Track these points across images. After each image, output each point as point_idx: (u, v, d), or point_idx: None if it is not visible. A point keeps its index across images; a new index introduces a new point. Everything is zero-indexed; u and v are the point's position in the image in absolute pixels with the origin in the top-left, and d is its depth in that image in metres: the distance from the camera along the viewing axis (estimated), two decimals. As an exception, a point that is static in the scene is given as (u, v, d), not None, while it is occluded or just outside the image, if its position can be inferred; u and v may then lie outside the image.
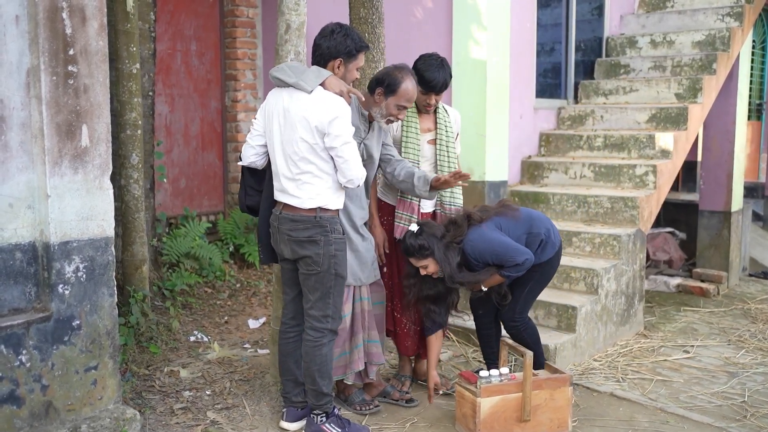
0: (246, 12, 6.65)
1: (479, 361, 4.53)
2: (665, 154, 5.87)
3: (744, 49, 7.04)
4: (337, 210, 3.41)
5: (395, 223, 3.95)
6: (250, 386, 4.12)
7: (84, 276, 3.16)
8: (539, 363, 3.79)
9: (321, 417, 3.48)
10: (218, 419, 3.69)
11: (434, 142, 4.02)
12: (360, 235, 3.65)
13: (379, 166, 3.82)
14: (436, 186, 3.66)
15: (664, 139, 5.87)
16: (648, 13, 7.50)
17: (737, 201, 7.37)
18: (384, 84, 3.53)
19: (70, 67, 3.05)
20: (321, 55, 3.41)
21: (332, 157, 3.28)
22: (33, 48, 2.98)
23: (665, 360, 4.85)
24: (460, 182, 3.67)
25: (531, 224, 3.72)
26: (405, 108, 3.60)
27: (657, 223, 7.93)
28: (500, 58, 5.62)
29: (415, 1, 5.93)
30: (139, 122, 4.70)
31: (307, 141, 3.24)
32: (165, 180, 6.01)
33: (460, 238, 3.60)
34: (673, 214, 8.13)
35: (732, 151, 7.17)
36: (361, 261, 3.64)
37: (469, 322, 4.24)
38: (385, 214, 4.01)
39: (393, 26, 5.55)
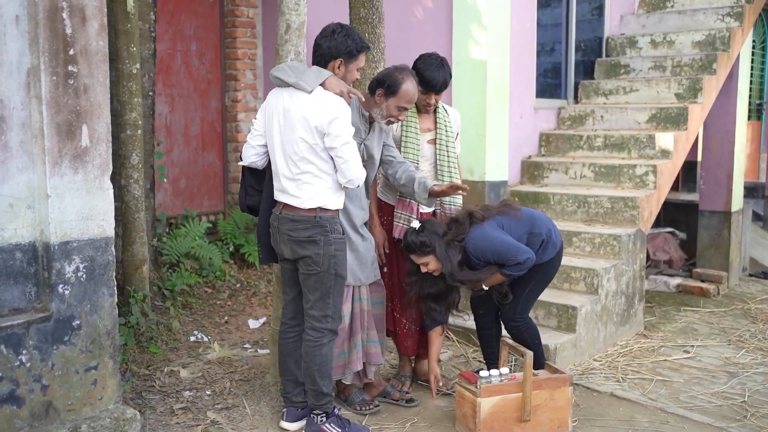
0: (246, 12, 6.65)
1: (479, 361, 4.53)
2: (665, 154, 5.87)
3: (744, 49, 7.04)
4: (337, 210, 3.41)
5: (394, 222, 3.95)
6: (250, 386, 4.12)
7: (84, 276, 3.16)
8: (539, 363, 3.78)
9: (321, 417, 3.48)
10: (218, 419, 3.69)
11: (434, 141, 4.02)
12: (360, 235, 3.65)
13: (380, 166, 3.82)
14: (434, 194, 3.66)
15: (664, 139, 5.87)
16: (648, 13, 7.50)
17: (737, 201, 7.37)
18: (384, 85, 3.53)
19: (70, 67, 3.05)
20: (321, 55, 3.41)
21: (332, 158, 3.28)
22: (33, 48, 2.98)
23: (665, 360, 4.85)
24: (459, 192, 3.68)
25: (533, 224, 3.72)
26: (405, 109, 3.60)
27: (657, 223, 7.93)
28: (500, 58, 5.62)
29: (415, 1, 5.93)
30: (139, 122, 4.70)
31: (306, 141, 3.24)
32: (165, 180, 6.01)
33: (462, 236, 3.60)
34: (673, 214, 8.13)
35: (732, 151, 7.17)
36: (361, 261, 3.64)
37: (470, 321, 4.24)
38: (384, 214, 4.01)
39: (393, 26, 5.55)
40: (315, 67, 3.38)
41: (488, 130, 5.55)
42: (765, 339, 5.34)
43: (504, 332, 4.01)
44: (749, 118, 8.96)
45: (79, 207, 3.12)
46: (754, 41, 9.49)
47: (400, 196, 3.93)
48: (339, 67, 3.40)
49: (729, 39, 6.65)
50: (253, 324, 5.24)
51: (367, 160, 3.64)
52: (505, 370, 3.61)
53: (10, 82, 2.97)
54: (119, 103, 4.58)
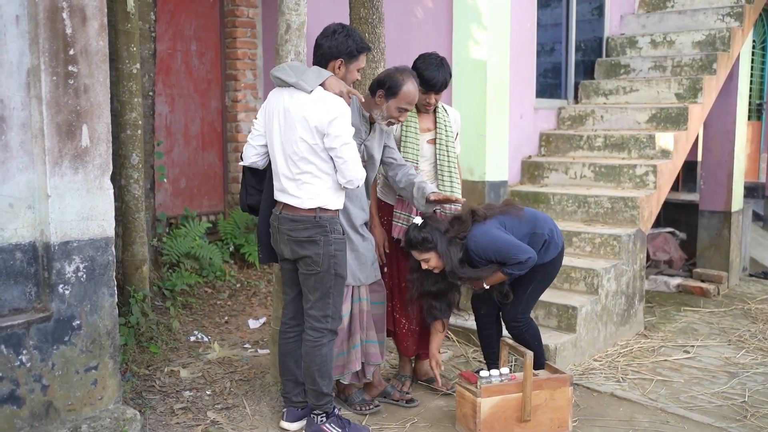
0: (246, 12, 6.65)
1: (479, 361, 4.53)
2: (665, 154, 5.87)
3: (744, 49, 7.04)
4: (337, 210, 3.41)
5: (393, 222, 3.96)
6: (250, 386, 4.12)
7: (84, 276, 3.16)
8: (540, 363, 3.78)
9: (321, 417, 3.48)
10: (218, 419, 3.69)
11: (434, 141, 4.02)
12: (360, 235, 3.65)
13: (381, 167, 3.82)
14: (431, 202, 3.67)
15: (665, 139, 5.87)
16: (648, 13, 7.50)
17: (737, 201, 7.37)
18: (385, 86, 3.53)
19: (70, 67, 3.05)
20: (322, 55, 3.41)
21: (332, 158, 3.28)
22: (33, 48, 2.98)
23: (665, 360, 4.85)
24: (455, 203, 3.70)
25: (535, 224, 3.72)
26: (406, 110, 3.59)
27: (657, 223, 7.93)
28: (500, 58, 5.62)
29: (416, 1, 5.93)
30: (140, 122, 4.70)
31: (306, 141, 3.24)
32: (165, 180, 6.01)
33: (464, 233, 3.61)
34: (673, 214, 8.13)
35: (732, 151, 7.17)
36: (361, 261, 3.64)
37: (470, 321, 4.24)
38: (384, 214, 4.01)
39: (393, 26, 5.55)
40: (315, 67, 3.38)
41: (488, 130, 5.55)
42: (765, 339, 5.34)
43: (505, 332, 4.01)
44: (749, 118, 8.96)
45: (80, 207, 3.12)
46: (754, 41, 9.49)
47: (399, 196, 3.93)
48: (339, 68, 3.40)
49: (729, 39, 6.65)
50: (253, 324, 5.24)
51: (367, 161, 3.64)
52: (505, 370, 3.61)
53: (11, 82, 2.97)
54: (119, 103, 4.58)
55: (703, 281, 6.95)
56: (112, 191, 3.25)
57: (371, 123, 3.66)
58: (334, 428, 3.46)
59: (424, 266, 3.64)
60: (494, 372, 3.58)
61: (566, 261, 4.92)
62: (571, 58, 6.90)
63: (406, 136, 3.95)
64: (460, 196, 4.03)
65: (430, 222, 3.61)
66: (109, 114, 3.22)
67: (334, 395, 3.80)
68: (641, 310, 5.47)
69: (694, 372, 4.66)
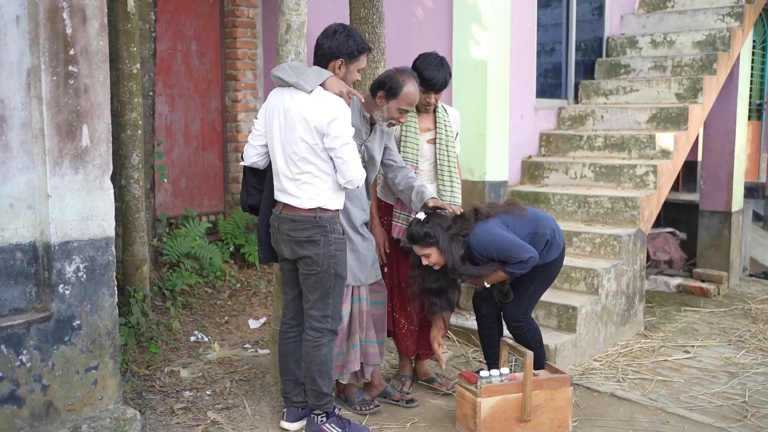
0: (246, 12, 6.65)
1: (480, 361, 4.53)
2: (666, 154, 5.87)
3: (744, 49, 7.04)
4: (337, 210, 3.41)
5: (393, 222, 3.96)
6: (250, 386, 4.12)
7: (84, 276, 3.16)
8: (540, 363, 3.78)
9: (321, 417, 3.48)
10: (219, 419, 3.69)
11: (434, 141, 4.02)
12: (360, 235, 3.65)
13: (381, 168, 3.82)
14: (430, 207, 3.67)
15: (665, 139, 5.87)
16: (648, 13, 7.50)
17: (738, 201, 7.37)
18: (386, 87, 3.53)
19: (70, 67, 3.05)
20: (322, 55, 3.41)
21: (332, 158, 3.28)
22: (33, 48, 2.98)
23: (665, 360, 4.85)
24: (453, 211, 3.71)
25: (537, 224, 3.73)
26: (407, 112, 3.59)
27: (657, 223, 7.93)
28: (501, 58, 5.62)
29: (416, 1, 5.93)
30: (140, 122, 4.70)
31: (306, 141, 3.24)
32: (165, 180, 6.01)
33: (466, 231, 3.61)
34: (673, 214, 8.13)
35: (732, 151, 7.17)
36: (361, 261, 3.64)
37: (470, 321, 4.24)
38: (384, 214, 4.02)
39: (393, 26, 5.55)
40: (315, 67, 3.38)
41: (488, 130, 5.55)
42: (765, 339, 5.34)
43: (506, 332, 4.01)
44: (749, 118, 8.96)
45: (80, 207, 3.12)
46: (754, 41, 9.48)
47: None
48: (339, 68, 3.40)
49: (729, 39, 6.65)
50: (253, 324, 5.24)
51: (367, 162, 3.64)
52: (505, 370, 3.61)
53: (11, 82, 2.97)
54: (119, 103, 4.58)
55: (703, 281, 6.95)
56: (112, 191, 3.25)
57: (372, 124, 3.66)
58: (334, 428, 3.46)
59: (425, 262, 3.64)
60: (494, 372, 3.58)
61: (566, 261, 4.92)
62: (572, 58, 6.90)
63: (405, 136, 3.95)
64: (459, 197, 4.04)
65: (433, 218, 3.62)
66: (109, 114, 3.22)
67: (335, 395, 3.80)
68: (641, 310, 5.47)
69: (695, 372, 4.66)
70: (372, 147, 3.66)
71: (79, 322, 3.15)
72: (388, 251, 3.98)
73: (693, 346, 5.14)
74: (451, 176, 4.00)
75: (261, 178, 3.58)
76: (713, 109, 6.75)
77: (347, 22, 4.33)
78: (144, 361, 4.33)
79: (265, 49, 6.74)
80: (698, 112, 6.22)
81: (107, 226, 3.23)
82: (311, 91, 3.23)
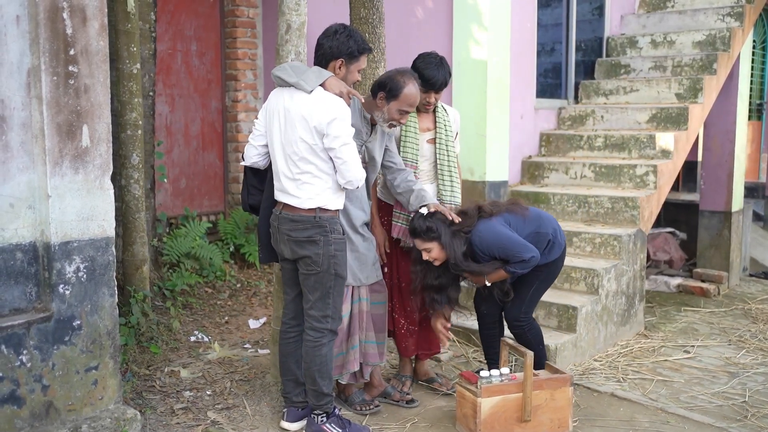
0: (246, 12, 6.65)
1: (480, 362, 4.53)
2: (666, 154, 5.87)
3: (744, 49, 7.04)
4: (337, 210, 3.40)
5: (393, 222, 3.96)
6: (250, 386, 4.12)
7: (84, 276, 3.16)
8: (540, 363, 3.79)
9: (321, 417, 3.48)
10: (219, 419, 3.69)
11: (433, 141, 4.02)
12: (360, 236, 3.65)
13: (381, 168, 3.82)
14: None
15: (665, 139, 5.87)
16: (648, 13, 7.50)
17: (738, 201, 7.37)
18: (386, 88, 3.53)
19: (70, 68, 3.05)
20: (323, 55, 3.41)
21: (331, 158, 3.28)
22: (34, 48, 2.98)
23: (666, 360, 4.85)
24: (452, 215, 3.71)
25: (539, 223, 3.73)
26: (407, 113, 3.59)
27: (657, 223, 7.93)
28: (501, 58, 5.62)
29: (416, 1, 5.93)
30: (140, 122, 4.70)
31: (306, 141, 3.24)
32: (165, 180, 6.01)
33: (469, 228, 3.62)
34: (673, 214, 8.13)
35: (732, 151, 7.17)
36: (361, 261, 3.64)
37: (470, 321, 4.24)
38: (384, 214, 4.01)
39: (393, 26, 5.55)
40: (316, 67, 3.38)
41: (488, 130, 5.55)
42: (765, 339, 5.34)
43: (507, 332, 4.01)
44: (749, 118, 8.96)
45: (80, 207, 3.12)
46: (754, 41, 9.49)
47: (397, 199, 3.94)
48: (340, 68, 3.40)
49: (729, 39, 6.65)
50: (253, 324, 5.24)
51: (368, 162, 3.64)
52: (505, 370, 3.61)
53: (11, 83, 2.97)
54: (120, 103, 4.58)
55: (703, 281, 6.95)
56: (112, 191, 3.25)
57: (373, 124, 3.66)
58: (334, 428, 3.46)
59: (425, 257, 3.64)
60: (494, 372, 3.58)
61: (567, 261, 4.91)
62: (572, 58, 6.90)
63: (405, 136, 3.94)
64: (459, 197, 4.05)
65: (436, 213, 3.63)
66: (109, 114, 3.22)
67: (335, 395, 3.80)
68: (641, 310, 5.47)
69: (695, 372, 4.66)
70: (373, 148, 3.66)
71: (79, 322, 3.15)
72: (388, 251, 3.98)
73: (693, 346, 5.14)
74: (451, 176, 4.00)
75: (262, 178, 3.58)
76: (713, 109, 6.75)
77: (347, 22, 4.34)
78: (144, 361, 4.33)
79: (265, 49, 6.74)
80: (698, 112, 6.22)
81: (107, 226, 3.23)
82: (311, 91, 3.23)
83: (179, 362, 4.44)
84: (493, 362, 3.95)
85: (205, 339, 4.84)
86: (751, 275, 7.74)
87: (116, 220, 3.41)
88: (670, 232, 7.78)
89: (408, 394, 4.01)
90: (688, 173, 8.94)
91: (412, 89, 3.53)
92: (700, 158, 8.32)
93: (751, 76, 8.85)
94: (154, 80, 5.25)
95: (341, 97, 3.27)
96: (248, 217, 6.18)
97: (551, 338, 4.52)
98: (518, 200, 3.99)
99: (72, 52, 3.05)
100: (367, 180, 3.64)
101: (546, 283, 3.88)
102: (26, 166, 3.03)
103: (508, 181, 5.90)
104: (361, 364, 3.74)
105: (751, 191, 9.16)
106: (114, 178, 3.38)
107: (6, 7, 2.93)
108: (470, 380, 3.55)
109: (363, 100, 3.57)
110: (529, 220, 3.72)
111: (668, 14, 7.33)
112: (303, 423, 3.60)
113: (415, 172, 3.92)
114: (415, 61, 3.90)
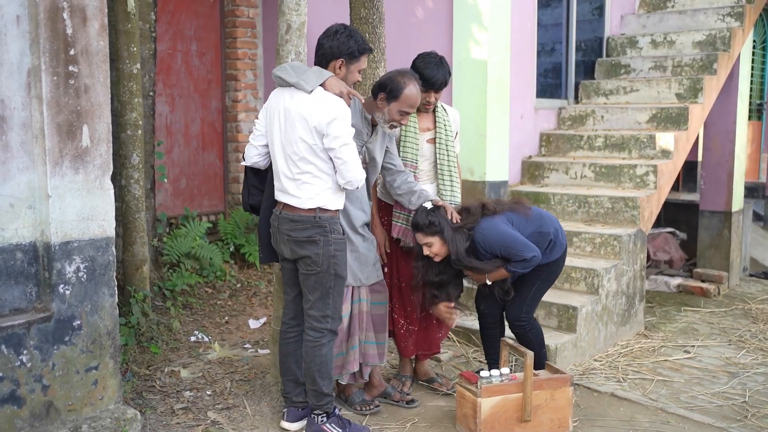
0: (246, 12, 6.65)
1: (480, 362, 4.53)
2: (666, 154, 5.87)
3: (744, 49, 7.04)
4: (337, 210, 3.40)
5: (392, 222, 3.96)
6: (250, 386, 4.12)
7: (85, 276, 3.16)
8: (540, 363, 3.79)
9: (322, 417, 3.48)
10: (219, 419, 3.69)
11: (433, 141, 4.02)
12: (360, 236, 3.65)
13: (381, 170, 3.82)
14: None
15: (665, 139, 5.87)
16: (648, 13, 7.50)
17: (738, 201, 7.37)
18: (386, 89, 3.52)
19: (70, 68, 3.05)
20: (323, 55, 3.41)
21: (331, 158, 3.28)
22: (34, 48, 2.98)
23: (666, 360, 4.85)
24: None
25: (541, 223, 3.74)
26: (408, 114, 3.59)
27: (657, 223, 7.93)
28: (501, 58, 5.62)
29: (416, 1, 5.93)
30: (140, 122, 4.70)
31: (306, 141, 3.24)
32: (165, 180, 6.01)
33: (472, 225, 3.62)
34: (673, 214, 8.13)
35: (732, 151, 7.17)
36: (361, 262, 3.64)
37: (470, 321, 4.24)
38: (384, 214, 4.01)
39: (394, 26, 5.55)
40: (316, 67, 3.38)
41: (489, 130, 5.56)
42: (765, 339, 5.34)
43: (508, 332, 4.01)
44: (750, 118, 8.96)
45: (80, 207, 3.12)
46: (754, 41, 9.48)
47: (397, 199, 3.94)
48: (340, 68, 3.40)
49: (729, 39, 6.64)
50: (253, 324, 5.24)
51: (369, 163, 3.63)
52: (505, 370, 3.61)
53: (11, 83, 2.97)
54: (120, 103, 4.58)
55: (703, 281, 6.95)
56: (112, 191, 3.25)
57: (373, 125, 3.66)
58: (334, 428, 3.46)
59: (426, 251, 3.64)
60: (495, 372, 3.58)
61: (567, 261, 4.91)
62: (572, 58, 6.90)
63: (405, 136, 3.94)
64: (459, 197, 4.05)
65: (440, 208, 3.63)
66: (109, 114, 3.22)
67: (335, 395, 3.80)
68: (641, 310, 5.47)
69: (695, 372, 4.66)
70: (373, 149, 3.66)
71: (79, 322, 3.15)
72: (388, 251, 3.98)
73: (693, 346, 5.14)
74: (451, 176, 4.00)
75: (262, 178, 3.58)
76: (713, 109, 6.75)
77: (347, 22, 4.34)
78: (144, 361, 4.33)
79: (266, 49, 6.74)
80: (698, 112, 6.22)
81: (107, 226, 3.23)
82: (311, 91, 3.23)
83: (179, 362, 4.44)
84: (493, 362, 3.95)
85: (205, 339, 4.84)
86: (751, 275, 7.74)
87: (116, 220, 3.41)
88: (670, 232, 7.78)
89: (408, 394, 4.01)
90: (688, 173, 8.94)
91: (412, 90, 3.53)
92: (700, 158, 8.32)
93: (751, 76, 8.85)
94: (154, 80, 5.25)
95: (341, 97, 3.27)
96: (248, 217, 6.18)
97: (551, 338, 4.51)
98: (522, 199, 3.99)
99: (72, 52, 3.05)
100: (367, 181, 3.64)
101: (547, 283, 3.89)
102: (26, 166, 3.03)
103: (508, 181, 5.90)
104: (360, 364, 3.74)
105: (751, 191, 9.16)
106: (114, 178, 3.38)
107: (6, 7, 2.93)
108: (470, 380, 3.55)
109: (363, 101, 3.56)
110: (532, 219, 3.73)
111: (668, 14, 7.33)
112: (303, 423, 3.60)
113: (414, 172, 3.92)
114: (414, 61, 3.89)
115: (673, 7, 7.52)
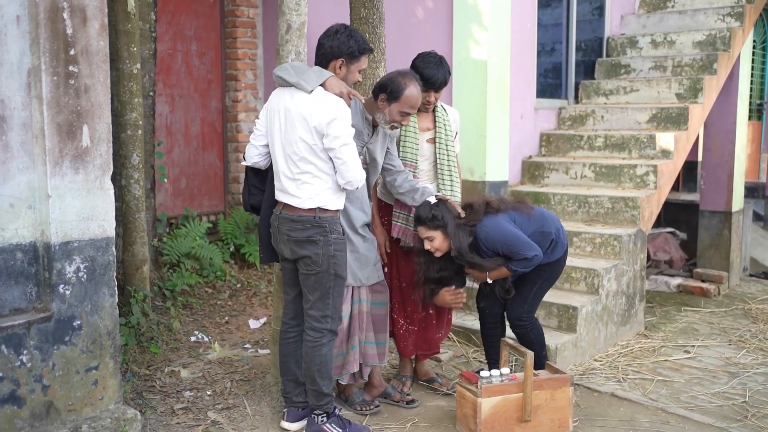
0: (246, 12, 6.65)
1: (480, 362, 4.53)
2: (666, 154, 5.87)
3: (745, 49, 7.04)
4: (337, 211, 3.40)
5: (392, 222, 3.96)
6: (250, 386, 4.12)
7: (85, 276, 3.16)
8: (540, 363, 3.79)
9: (322, 417, 3.48)
10: (219, 419, 3.69)
11: (433, 141, 4.02)
12: (360, 236, 3.65)
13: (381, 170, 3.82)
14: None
15: (665, 139, 5.87)
16: (648, 13, 7.50)
17: (738, 201, 7.37)
18: (387, 90, 3.52)
19: (71, 68, 3.05)
20: (323, 55, 3.41)
21: (331, 158, 3.28)
22: (34, 48, 2.98)
23: (666, 360, 4.85)
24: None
25: (543, 223, 3.74)
26: (409, 114, 3.59)
27: (658, 223, 7.93)
28: (501, 58, 5.62)
29: (416, 1, 5.93)
30: (140, 122, 4.70)
31: (306, 141, 3.24)
32: (165, 180, 6.01)
33: (474, 222, 3.62)
34: (673, 214, 8.13)
35: (733, 151, 7.17)
36: (362, 262, 3.64)
37: (470, 321, 4.23)
38: (384, 214, 4.01)
39: (394, 26, 5.55)
40: (316, 67, 3.38)
41: (489, 130, 5.56)
42: (766, 339, 5.34)
43: (508, 332, 4.01)
44: (750, 118, 8.96)
45: (80, 207, 3.12)
46: (754, 41, 9.48)
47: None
48: (340, 68, 3.40)
49: (730, 39, 6.64)
50: (253, 324, 5.24)
51: (369, 164, 3.63)
52: (505, 370, 3.61)
53: (11, 83, 2.97)
54: (120, 103, 4.58)
55: (703, 281, 6.95)
56: (112, 191, 3.25)
57: (374, 126, 3.66)
58: (334, 428, 3.46)
59: (427, 245, 3.64)
60: (495, 372, 3.58)
61: (567, 261, 4.92)
62: (572, 58, 6.90)
63: (405, 136, 3.94)
64: (459, 197, 4.05)
65: (443, 204, 3.63)
66: (109, 114, 3.22)
67: (335, 395, 3.80)
68: (642, 310, 5.47)
69: (695, 372, 4.66)
70: (374, 149, 3.65)
71: (79, 322, 3.15)
72: (389, 251, 3.98)
73: (693, 346, 5.14)
74: (451, 176, 4.00)
75: (263, 177, 3.57)
76: (713, 109, 6.75)
77: (348, 22, 4.34)
78: (144, 361, 4.33)
79: (266, 49, 6.74)
80: (698, 112, 6.22)
81: (107, 226, 3.23)
82: (311, 91, 3.23)
83: (179, 362, 4.44)
84: (494, 362, 3.95)
85: (205, 339, 4.84)
86: (751, 275, 7.74)
87: (116, 220, 3.41)
88: (670, 232, 7.78)
89: (408, 394, 4.01)
90: (688, 173, 8.94)
91: (413, 91, 3.53)
92: (700, 158, 8.32)
93: (751, 76, 8.85)
94: (154, 80, 5.25)
95: (341, 97, 3.27)
96: (248, 217, 6.18)
97: (551, 338, 4.51)
98: (524, 199, 4.00)
99: (72, 52, 3.05)
100: (367, 181, 3.64)
101: (548, 283, 3.89)
102: (26, 166, 3.03)
103: (508, 181, 5.90)
104: (360, 364, 3.74)
105: (751, 191, 9.16)
106: (114, 178, 3.38)
107: (6, 7, 2.93)
108: (470, 380, 3.55)
109: (363, 101, 3.56)
110: (534, 218, 3.73)
111: (668, 14, 7.33)
112: (303, 423, 3.60)
113: (414, 172, 3.92)
114: (414, 61, 3.89)
115: (673, 7, 7.52)
